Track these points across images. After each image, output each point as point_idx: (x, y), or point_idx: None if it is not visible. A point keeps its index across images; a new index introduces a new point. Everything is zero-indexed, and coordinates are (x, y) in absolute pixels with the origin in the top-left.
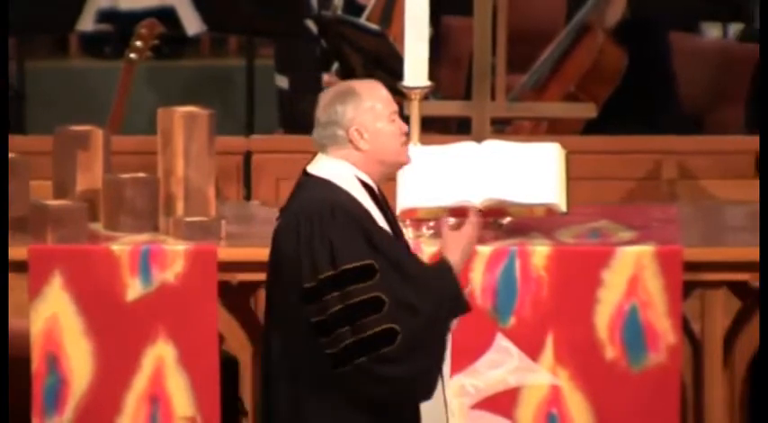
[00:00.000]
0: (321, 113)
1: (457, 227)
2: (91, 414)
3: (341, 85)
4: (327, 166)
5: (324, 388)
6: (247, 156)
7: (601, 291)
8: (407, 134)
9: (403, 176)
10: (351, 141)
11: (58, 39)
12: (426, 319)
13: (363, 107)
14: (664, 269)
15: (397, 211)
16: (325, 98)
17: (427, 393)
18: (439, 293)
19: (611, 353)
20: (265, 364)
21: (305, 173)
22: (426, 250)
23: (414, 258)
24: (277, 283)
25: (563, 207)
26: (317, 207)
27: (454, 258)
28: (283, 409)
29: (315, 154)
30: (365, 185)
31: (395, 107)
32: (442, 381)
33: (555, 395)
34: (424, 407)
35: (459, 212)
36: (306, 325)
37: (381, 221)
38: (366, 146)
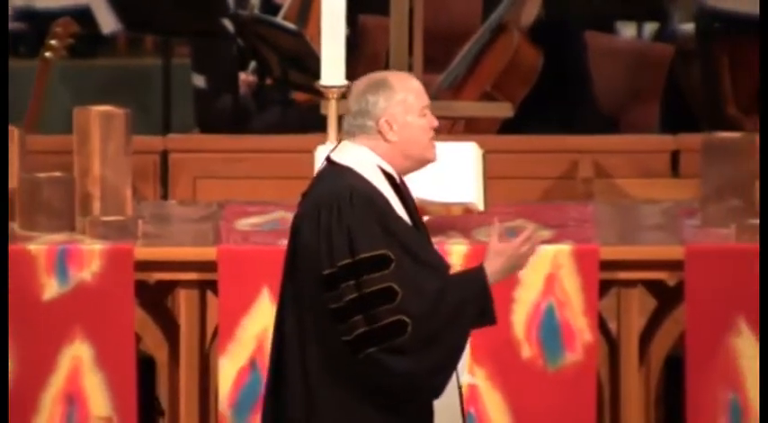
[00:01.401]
0: (353, 103)
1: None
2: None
3: (374, 74)
4: (350, 153)
5: (337, 378)
6: (164, 155)
7: (517, 290)
8: (436, 130)
9: None
10: (380, 132)
11: None
12: (442, 316)
13: (395, 99)
14: (580, 268)
15: None
16: (357, 88)
17: (436, 392)
18: (462, 295)
19: (527, 352)
20: (277, 350)
21: (328, 160)
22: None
23: (433, 251)
24: (294, 270)
25: (480, 206)
26: (337, 195)
27: (492, 268)
28: (296, 398)
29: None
30: (387, 175)
31: (427, 101)
32: (459, 388)
33: (472, 394)
34: (438, 411)
35: None
36: (321, 313)
37: (401, 211)
38: (394, 137)
